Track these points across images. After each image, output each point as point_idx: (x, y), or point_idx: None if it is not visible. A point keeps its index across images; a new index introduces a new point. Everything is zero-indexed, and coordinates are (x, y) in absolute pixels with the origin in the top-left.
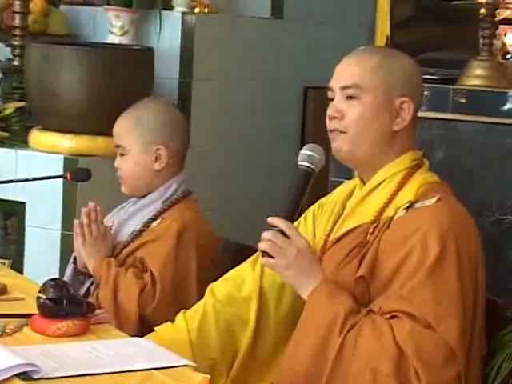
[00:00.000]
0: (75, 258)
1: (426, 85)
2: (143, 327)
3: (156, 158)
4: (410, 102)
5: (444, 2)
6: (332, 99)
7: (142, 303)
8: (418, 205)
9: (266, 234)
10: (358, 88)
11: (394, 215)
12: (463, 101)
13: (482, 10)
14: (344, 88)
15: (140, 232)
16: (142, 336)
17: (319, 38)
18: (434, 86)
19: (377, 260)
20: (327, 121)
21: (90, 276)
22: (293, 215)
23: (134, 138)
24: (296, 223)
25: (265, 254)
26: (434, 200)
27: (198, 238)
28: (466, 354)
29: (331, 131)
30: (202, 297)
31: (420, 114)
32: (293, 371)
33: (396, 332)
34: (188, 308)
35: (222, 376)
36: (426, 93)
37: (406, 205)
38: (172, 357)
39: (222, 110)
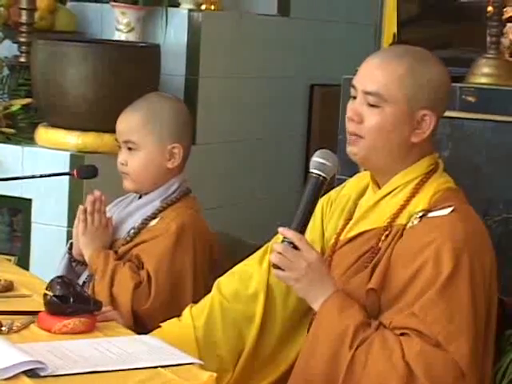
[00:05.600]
0: (71, 245)
1: None
2: (138, 325)
3: (170, 156)
4: (432, 115)
5: (451, 0)
6: (354, 97)
7: (137, 300)
8: (431, 214)
9: (277, 247)
10: (381, 97)
11: (407, 223)
12: (470, 99)
13: (490, 8)
14: (367, 93)
15: (139, 230)
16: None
17: (325, 36)
18: None
19: (388, 271)
20: (346, 121)
21: (86, 265)
22: (304, 225)
23: (148, 134)
24: None
25: (275, 266)
26: (448, 210)
27: (196, 238)
28: (478, 370)
29: (349, 133)
30: (197, 296)
31: None
32: (307, 381)
33: (406, 351)
34: (183, 307)
35: (228, 372)
36: None
37: (420, 213)
38: (179, 354)
39: (228, 107)
